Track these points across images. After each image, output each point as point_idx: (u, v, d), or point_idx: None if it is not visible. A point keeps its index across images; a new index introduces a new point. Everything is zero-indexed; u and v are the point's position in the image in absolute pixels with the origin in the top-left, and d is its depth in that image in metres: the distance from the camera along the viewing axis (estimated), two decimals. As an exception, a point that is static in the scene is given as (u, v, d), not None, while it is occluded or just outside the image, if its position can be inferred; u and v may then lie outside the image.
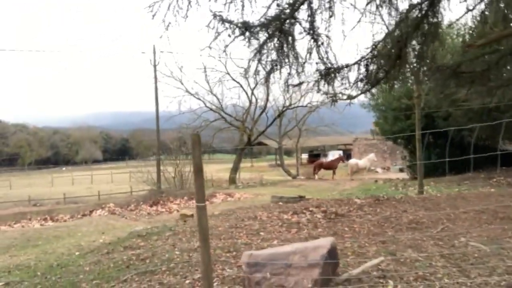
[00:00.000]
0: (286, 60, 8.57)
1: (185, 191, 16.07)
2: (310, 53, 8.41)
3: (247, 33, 6.79)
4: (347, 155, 63.34)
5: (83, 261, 5.25)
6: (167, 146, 28.54)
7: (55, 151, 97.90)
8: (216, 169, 35.73)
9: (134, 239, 5.87)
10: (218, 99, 26.31)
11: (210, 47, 7.14)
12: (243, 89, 26.99)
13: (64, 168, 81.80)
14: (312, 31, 7.84)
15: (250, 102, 27.27)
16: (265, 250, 3.54)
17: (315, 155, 58.69)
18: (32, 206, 20.39)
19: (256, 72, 8.85)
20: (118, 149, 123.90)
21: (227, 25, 6.80)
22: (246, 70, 8.90)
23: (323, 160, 34.69)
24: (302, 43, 10.95)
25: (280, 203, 8.87)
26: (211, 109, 26.45)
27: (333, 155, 63.37)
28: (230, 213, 7.94)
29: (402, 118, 18.38)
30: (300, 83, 9.78)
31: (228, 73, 26.50)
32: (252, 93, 27.23)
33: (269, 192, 19.99)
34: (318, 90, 9.52)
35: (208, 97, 26.52)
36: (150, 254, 4.80)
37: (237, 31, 6.92)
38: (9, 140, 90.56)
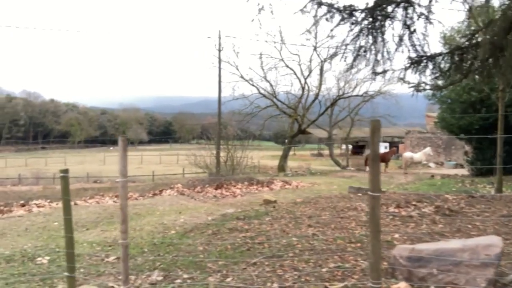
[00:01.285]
0: (374, 47, 8.26)
1: (244, 176, 16.17)
2: (401, 40, 8.05)
3: (353, 18, 6.54)
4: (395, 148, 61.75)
5: (191, 240, 5.31)
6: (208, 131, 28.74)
7: (103, 131, 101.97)
8: (259, 156, 35.84)
9: (235, 222, 5.89)
10: (271, 85, 26.20)
11: (309, 31, 6.97)
12: (297, 76, 26.71)
13: (111, 148, 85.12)
14: (410, 16, 7.48)
15: (303, 89, 26.97)
16: (426, 245, 3.40)
17: (359, 146, 57.49)
18: (92, 183, 21.30)
19: (344, 58, 8.57)
20: (161, 131, 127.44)
21: (327, 8, 6.60)
22: (332, 56, 8.67)
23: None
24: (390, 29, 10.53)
25: (359, 194, 8.67)
26: (264, 96, 26.38)
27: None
28: (314, 201, 7.83)
29: (471, 112, 17.47)
30: (385, 71, 9.43)
31: (282, 60, 26.26)
32: (305, 81, 26.90)
33: (323, 181, 19.77)
34: (400, 79, 9.18)
35: (261, 84, 26.46)
36: (264, 238, 4.78)
37: (337, 15, 6.71)
38: (61, 119, 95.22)
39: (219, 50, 22.03)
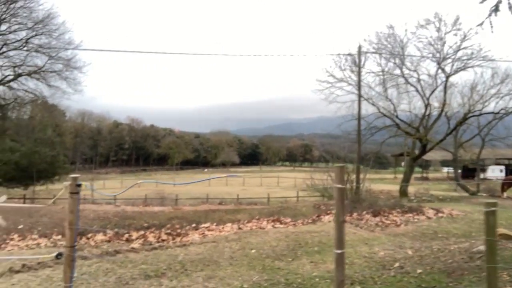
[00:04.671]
0: None
1: (392, 203, 14.85)
2: None
3: None
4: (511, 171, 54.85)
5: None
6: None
7: (197, 154, 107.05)
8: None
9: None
10: (393, 104, 24.60)
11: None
12: (419, 93, 24.80)
13: (205, 170, 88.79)
14: None
15: (426, 107, 24.90)
16: None
17: (469, 170, 52.14)
18: (217, 205, 21.47)
19: None
20: (248, 153, 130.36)
21: None
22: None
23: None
24: None
25: None
26: (384, 115, 24.85)
27: (492, 170, 55.64)
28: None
29: None
30: None
31: (403, 76, 24.64)
32: (428, 99, 24.85)
33: (471, 210, 17.56)
34: None
35: (380, 103, 25.01)
36: None
37: None
38: (160, 142, 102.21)
39: (359, 67, 21.40)
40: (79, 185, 3.13)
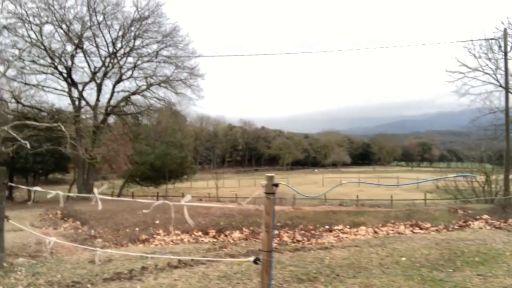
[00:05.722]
0: None
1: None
2: None
3: None
4: None
5: None
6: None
7: (306, 154, 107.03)
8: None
9: None
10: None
11: None
12: None
13: (316, 170, 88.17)
14: None
15: None
16: None
17: None
18: (338, 206, 20.81)
19: None
20: (359, 153, 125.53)
21: None
22: None
23: None
24: None
25: None
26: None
27: None
28: None
29: None
30: None
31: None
32: None
33: None
34: None
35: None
36: None
37: None
38: (271, 144, 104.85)
39: (505, 53, 18.98)
40: (276, 185, 2.97)
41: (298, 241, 8.82)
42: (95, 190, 3.86)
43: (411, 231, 10.29)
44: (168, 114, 32.43)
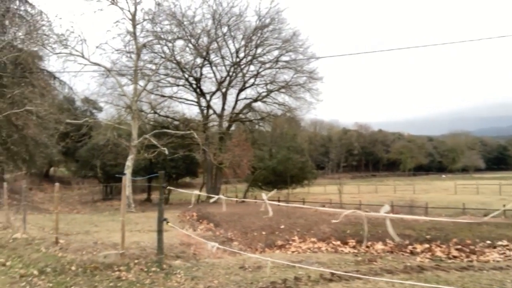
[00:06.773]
0: None
1: None
2: None
3: None
4: None
5: None
6: None
7: (431, 159, 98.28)
8: None
9: None
10: None
11: None
12: None
13: (443, 176, 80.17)
14: None
15: None
16: None
17: None
18: (482, 216, 18.21)
19: None
20: (494, 157, 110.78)
21: None
22: None
23: None
24: None
25: None
26: None
27: None
28: None
29: None
30: None
31: None
32: None
33: None
34: None
35: None
36: None
37: None
38: (389, 147, 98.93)
39: None
40: None
41: (455, 257, 7.71)
42: (263, 195, 3.68)
43: None
44: (283, 119, 32.76)
